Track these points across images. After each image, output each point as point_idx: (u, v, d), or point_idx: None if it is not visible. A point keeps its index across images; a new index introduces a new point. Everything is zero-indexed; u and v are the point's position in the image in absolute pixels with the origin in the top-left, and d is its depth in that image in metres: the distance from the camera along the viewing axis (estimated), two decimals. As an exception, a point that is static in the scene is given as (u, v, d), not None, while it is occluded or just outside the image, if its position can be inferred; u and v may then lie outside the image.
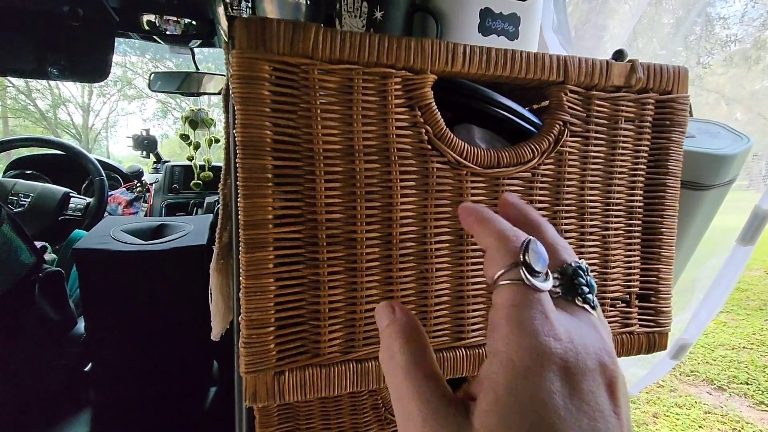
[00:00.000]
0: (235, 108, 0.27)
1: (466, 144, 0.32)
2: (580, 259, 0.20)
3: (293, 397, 0.29)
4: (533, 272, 0.17)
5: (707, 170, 0.39)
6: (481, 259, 0.33)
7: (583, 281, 0.19)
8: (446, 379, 0.33)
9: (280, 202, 0.28)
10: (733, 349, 2.56)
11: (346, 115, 0.29)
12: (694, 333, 0.60)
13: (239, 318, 0.28)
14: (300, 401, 0.41)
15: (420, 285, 0.31)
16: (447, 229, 0.32)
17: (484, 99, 0.35)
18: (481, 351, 0.33)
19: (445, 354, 0.32)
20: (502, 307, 0.17)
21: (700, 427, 1.89)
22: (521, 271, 0.17)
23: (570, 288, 0.19)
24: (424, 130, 0.30)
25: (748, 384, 2.18)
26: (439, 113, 0.31)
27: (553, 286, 0.19)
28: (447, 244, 0.32)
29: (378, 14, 0.54)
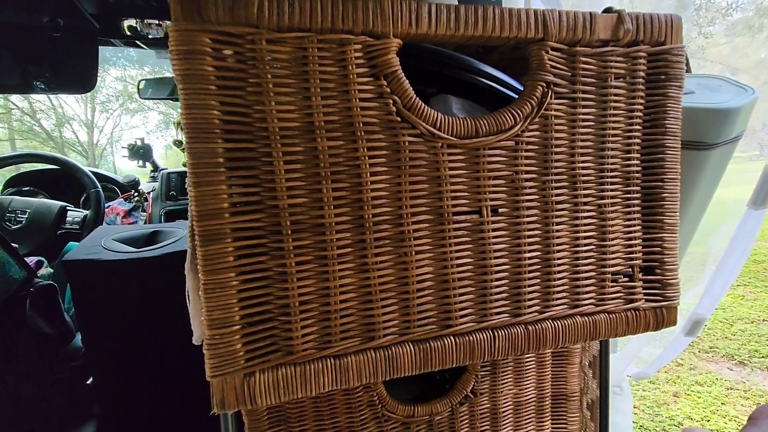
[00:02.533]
0: (178, 87, 0.24)
1: (440, 113, 0.29)
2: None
3: (266, 401, 0.27)
4: None
5: (710, 127, 0.35)
6: (466, 239, 0.30)
7: None
8: (436, 371, 0.30)
9: (236, 188, 0.26)
10: (752, 322, 2.49)
11: (302, 89, 0.26)
12: (708, 307, 0.56)
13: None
14: (290, 401, 0.39)
15: (399, 270, 0.29)
16: (425, 208, 0.29)
17: (459, 65, 0.32)
18: (471, 339, 0.30)
19: (432, 344, 0.30)
20: None
21: (722, 404, 1.84)
22: None
23: None
24: (391, 101, 0.28)
25: (770, 357, 2.13)
26: (407, 82, 0.28)
27: None
28: (426, 224, 0.29)
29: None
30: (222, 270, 0.25)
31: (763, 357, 2.14)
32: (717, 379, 2.02)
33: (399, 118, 0.28)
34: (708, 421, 1.73)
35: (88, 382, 0.82)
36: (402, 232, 0.29)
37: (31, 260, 0.92)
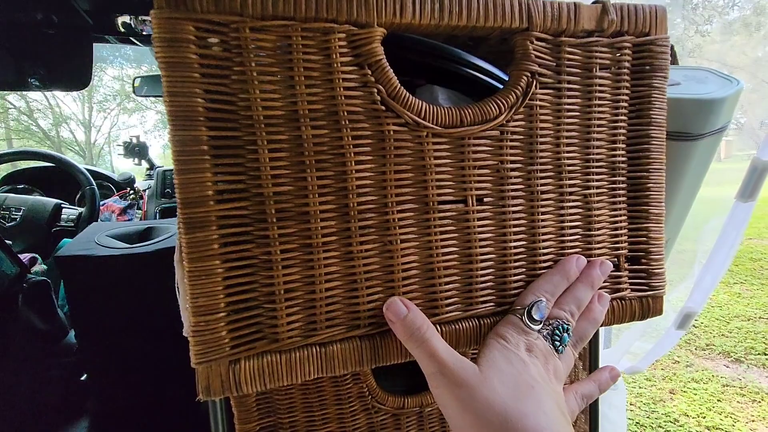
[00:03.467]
0: (161, 75, 0.24)
1: (425, 103, 0.29)
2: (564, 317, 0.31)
3: (252, 388, 0.27)
4: (531, 318, 0.30)
5: (696, 118, 0.36)
6: (451, 228, 0.30)
7: (559, 336, 0.30)
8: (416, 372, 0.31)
9: (221, 176, 0.26)
10: (749, 320, 2.51)
11: (286, 77, 0.26)
12: (699, 301, 0.57)
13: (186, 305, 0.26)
14: (279, 392, 0.39)
15: (384, 259, 0.29)
16: (410, 197, 0.29)
17: (445, 56, 0.32)
18: (457, 327, 0.31)
19: (418, 332, 0.30)
20: (504, 322, 0.31)
21: (718, 400, 1.85)
22: (524, 315, 0.30)
23: (550, 334, 0.30)
24: (375, 90, 0.28)
25: (766, 354, 2.14)
26: (391, 71, 0.28)
27: (541, 330, 0.30)
28: (411, 213, 0.29)
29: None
30: (207, 257, 0.26)
31: (758, 354, 2.16)
32: (713, 376, 2.03)
33: (384, 107, 0.28)
34: (704, 417, 1.74)
35: (82, 378, 0.82)
36: (387, 220, 0.29)
37: (25, 257, 0.92)
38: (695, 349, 2.26)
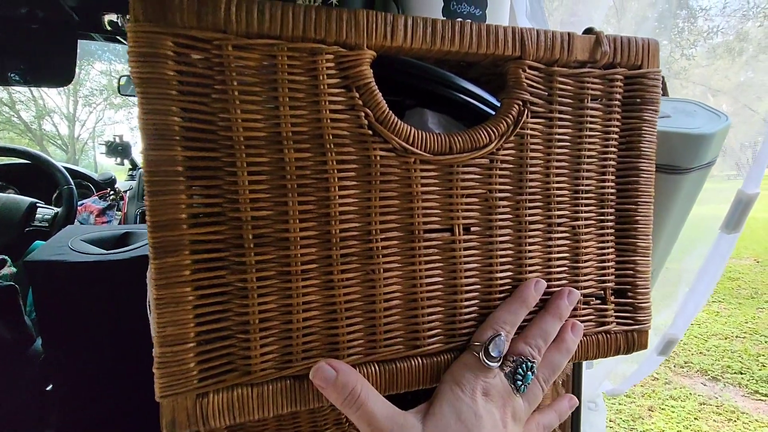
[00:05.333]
0: (136, 91, 0.23)
1: (413, 128, 0.28)
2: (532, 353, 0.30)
3: (220, 422, 0.25)
4: (489, 356, 0.28)
5: (685, 152, 0.36)
6: (436, 257, 0.29)
7: (521, 375, 0.29)
8: (402, 392, 0.29)
9: (196, 199, 0.25)
10: (726, 338, 2.56)
11: (270, 98, 0.25)
12: (681, 327, 0.57)
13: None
14: (252, 421, 0.38)
15: (366, 288, 0.28)
16: (395, 225, 0.28)
17: (436, 79, 0.32)
18: (439, 360, 0.30)
19: (398, 364, 0.29)
20: (460, 362, 0.29)
21: (695, 419, 1.87)
22: (481, 352, 0.28)
23: (512, 372, 0.29)
24: (363, 114, 0.27)
25: (741, 373, 2.18)
26: (380, 94, 0.27)
27: (502, 366, 0.29)
28: (396, 242, 0.28)
29: (335, -5, 0.50)
30: (177, 284, 0.24)
31: (735, 373, 2.19)
32: (691, 394, 2.05)
33: (371, 132, 0.27)
34: (680, 436, 1.76)
35: (47, 388, 0.78)
36: (370, 248, 0.28)
37: (-6, 259, 0.88)
38: (674, 366, 2.29)
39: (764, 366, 2.22)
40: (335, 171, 0.27)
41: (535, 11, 0.81)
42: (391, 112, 0.27)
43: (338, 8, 0.26)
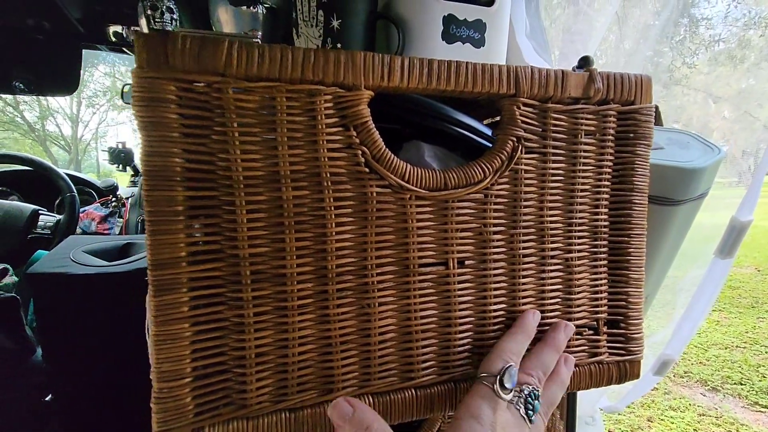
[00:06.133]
0: (140, 134, 0.24)
1: (409, 165, 0.29)
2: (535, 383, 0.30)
3: (216, 456, 0.26)
4: (504, 387, 0.28)
5: (678, 185, 0.36)
6: (431, 291, 0.30)
7: (531, 404, 0.29)
8: (396, 424, 0.30)
9: (195, 237, 0.25)
10: (726, 348, 2.55)
11: (268, 138, 0.26)
12: (677, 348, 0.57)
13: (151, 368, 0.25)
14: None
15: (361, 322, 0.28)
16: (390, 259, 0.29)
17: (432, 114, 0.32)
18: (432, 391, 0.30)
19: (392, 396, 0.29)
20: (475, 395, 0.28)
21: (695, 430, 1.86)
22: (496, 384, 0.28)
23: (523, 402, 0.29)
24: (360, 152, 0.27)
25: (741, 384, 2.17)
26: (377, 133, 0.28)
27: (514, 398, 0.29)
28: (391, 276, 0.29)
29: (335, 23, 0.51)
30: (175, 321, 0.25)
31: (734, 384, 2.18)
32: (690, 404, 2.05)
33: (367, 169, 0.28)
34: (679, 447, 1.75)
35: (47, 398, 0.79)
36: (366, 283, 0.28)
37: (-4, 267, 0.88)
38: (673, 376, 2.28)
39: (764, 377, 2.21)
40: (332, 208, 0.27)
41: (534, 29, 0.81)
42: (387, 149, 0.28)
43: (335, 50, 0.26)
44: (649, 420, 1.95)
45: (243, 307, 0.26)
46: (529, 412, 0.28)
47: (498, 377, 0.28)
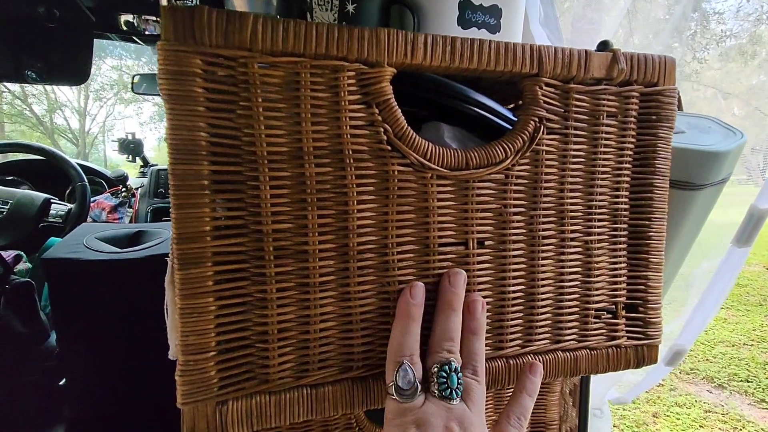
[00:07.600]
0: (165, 107, 0.24)
1: (431, 144, 0.29)
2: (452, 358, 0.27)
3: (239, 430, 0.26)
4: (401, 391, 0.26)
5: (698, 168, 0.36)
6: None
7: (444, 383, 0.26)
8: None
9: (220, 212, 0.25)
10: (733, 345, 2.53)
11: (292, 114, 0.26)
12: (689, 339, 0.57)
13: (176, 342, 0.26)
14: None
15: (381, 300, 0.29)
16: (411, 238, 0.29)
17: (453, 94, 0.32)
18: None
19: (411, 375, 0.29)
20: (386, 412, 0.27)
21: (700, 426, 1.86)
22: (393, 392, 0.26)
23: (436, 387, 0.26)
24: (382, 129, 0.27)
25: (748, 381, 2.16)
26: (399, 111, 0.28)
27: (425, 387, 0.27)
28: (411, 255, 0.29)
29: (350, 7, 0.51)
30: (200, 294, 0.25)
31: (741, 381, 2.17)
32: (696, 401, 2.04)
33: (389, 147, 0.28)
34: (685, 443, 1.75)
35: (61, 383, 0.80)
36: (386, 261, 0.28)
37: (9, 254, 0.90)
38: (679, 372, 2.28)
39: (772, 374, 2.20)
40: (354, 185, 0.27)
41: (548, 16, 0.80)
42: (409, 128, 0.28)
43: (360, 26, 0.26)
44: (654, 416, 1.95)
45: (266, 283, 0.26)
46: (446, 390, 0.26)
47: (393, 385, 0.26)
